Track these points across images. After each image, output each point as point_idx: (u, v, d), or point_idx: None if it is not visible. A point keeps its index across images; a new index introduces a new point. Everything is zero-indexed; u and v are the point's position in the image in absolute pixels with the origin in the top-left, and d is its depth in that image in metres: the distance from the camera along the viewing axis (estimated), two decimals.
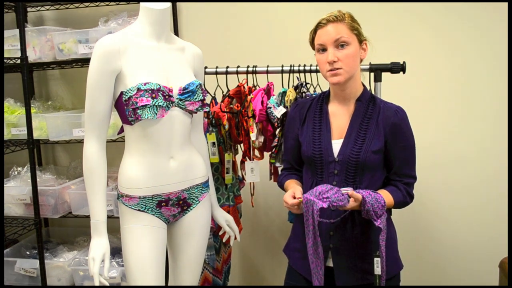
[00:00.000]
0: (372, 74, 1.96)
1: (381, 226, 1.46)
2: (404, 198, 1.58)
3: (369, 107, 1.58)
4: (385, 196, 1.52)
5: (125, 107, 1.55)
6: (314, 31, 1.55)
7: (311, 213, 1.44)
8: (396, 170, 1.58)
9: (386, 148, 1.55)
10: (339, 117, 1.60)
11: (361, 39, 1.55)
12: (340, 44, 1.49)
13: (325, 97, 1.66)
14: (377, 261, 1.50)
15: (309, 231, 1.48)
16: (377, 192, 1.50)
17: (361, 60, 1.58)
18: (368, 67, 1.94)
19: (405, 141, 1.57)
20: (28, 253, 2.62)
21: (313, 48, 1.59)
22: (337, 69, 1.49)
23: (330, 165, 1.55)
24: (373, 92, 1.97)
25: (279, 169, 2.05)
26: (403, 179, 1.59)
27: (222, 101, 2.07)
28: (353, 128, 1.56)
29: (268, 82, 2.05)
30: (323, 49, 1.52)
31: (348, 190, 1.46)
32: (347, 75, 1.51)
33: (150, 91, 1.53)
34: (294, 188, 1.56)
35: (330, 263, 1.59)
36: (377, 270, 1.50)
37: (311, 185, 1.60)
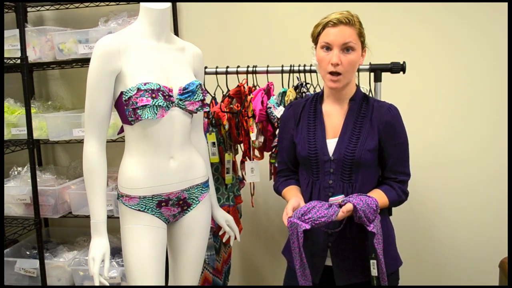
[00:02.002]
0: (372, 74, 1.96)
1: (374, 231, 1.46)
2: (399, 197, 1.58)
3: (362, 106, 1.59)
4: (379, 196, 1.52)
5: (125, 107, 1.55)
6: (322, 27, 1.52)
7: (296, 235, 1.44)
8: (390, 167, 1.59)
9: (380, 146, 1.56)
10: (333, 116, 1.61)
11: (363, 46, 1.56)
12: (346, 49, 1.49)
13: (319, 97, 1.67)
14: (373, 263, 1.50)
15: (296, 253, 1.48)
16: (369, 195, 1.49)
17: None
18: (368, 67, 1.94)
19: (398, 138, 1.57)
20: (28, 253, 2.62)
21: (313, 41, 1.58)
22: (338, 74, 1.50)
23: (326, 164, 1.56)
24: (373, 92, 1.98)
25: None
26: (397, 176, 1.59)
27: (222, 101, 2.07)
28: (347, 127, 1.57)
29: (268, 82, 2.05)
30: (328, 48, 1.51)
31: (339, 199, 1.46)
32: (345, 82, 1.53)
33: (150, 91, 1.53)
34: (290, 202, 1.55)
35: (329, 262, 1.59)
36: (374, 271, 1.50)
37: (307, 185, 1.61)
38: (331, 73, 1.51)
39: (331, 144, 1.57)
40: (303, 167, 1.64)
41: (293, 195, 1.62)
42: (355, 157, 1.52)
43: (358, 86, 1.64)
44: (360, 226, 1.53)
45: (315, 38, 1.57)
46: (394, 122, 1.56)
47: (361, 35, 1.52)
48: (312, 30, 1.57)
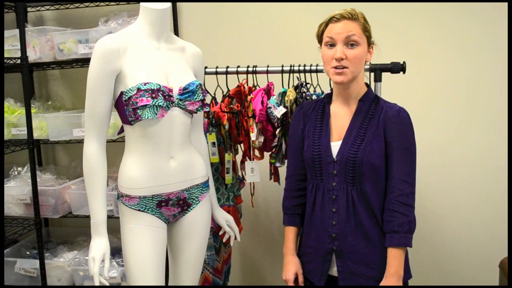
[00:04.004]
0: (372, 74, 1.96)
1: None
2: (407, 231, 1.48)
3: (371, 107, 1.56)
4: (394, 254, 1.48)
5: (125, 107, 1.55)
6: (326, 24, 1.51)
7: None
8: (394, 174, 1.50)
9: (386, 150, 1.51)
10: (340, 117, 1.59)
11: (369, 42, 1.53)
12: (350, 43, 1.47)
13: (328, 97, 1.65)
14: None
15: None
16: (390, 265, 1.49)
17: (365, 62, 1.56)
18: (368, 67, 1.93)
19: (404, 143, 1.51)
20: (28, 253, 2.62)
21: (319, 42, 1.56)
22: (343, 68, 1.47)
23: (329, 165, 1.54)
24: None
25: (279, 170, 2.06)
26: (401, 188, 1.49)
27: (222, 101, 2.07)
28: (353, 128, 1.54)
29: (268, 82, 2.05)
30: (332, 44, 1.49)
31: None
32: (351, 76, 1.49)
33: (150, 91, 1.53)
34: (291, 268, 1.65)
35: (333, 272, 1.58)
36: None
37: (311, 189, 1.60)
38: (336, 67, 1.48)
39: (336, 146, 1.55)
40: (308, 170, 1.63)
41: (291, 249, 1.68)
42: (357, 159, 1.49)
43: (369, 87, 1.61)
44: (364, 230, 1.52)
45: (320, 37, 1.55)
46: (402, 125, 1.51)
47: (365, 30, 1.50)
48: (316, 30, 1.56)
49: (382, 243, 1.52)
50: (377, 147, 1.50)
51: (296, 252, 1.71)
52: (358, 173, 1.51)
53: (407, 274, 1.56)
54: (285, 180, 1.75)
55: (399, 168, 1.50)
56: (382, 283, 1.50)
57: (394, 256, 1.49)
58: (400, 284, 1.49)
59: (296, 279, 1.66)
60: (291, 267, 1.65)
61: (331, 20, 1.50)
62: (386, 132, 1.51)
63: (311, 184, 1.61)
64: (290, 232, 1.70)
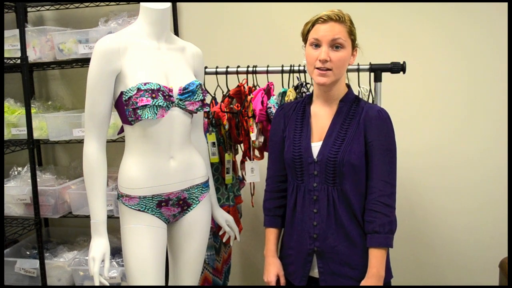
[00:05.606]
0: (372, 74, 1.96)
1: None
2: (388, 231, 1.48)
3: (351, 107, 1.56)
4: (376, 255, 1.48)
5: (125, 107, 1.55)
6: (312, 24, 1.51)
7: None
8: (374, 175, 1.50)
9: (366, 150, 1.51)
10: (321, 118, 1.58)
11: (354, 45, 1.53)
12: (336, 45, 1.47)
13: (308, 98, 1.65)
14: None
15: None
16: (371, 266, 1.49)
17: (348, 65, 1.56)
18: (368, 67, 1.93)
19: (385, 143, 1.51)
20: (28, 253, 2.62)
21: (303, 40, 1.56)
22: (326, 69, 1.48)
23: (310, 166, 1.54)
24: (373, 92, 1.97)
25: None
26: (382, 188, 1.49)
27: (222, 101, 2.07)
28: (334, 129, 1.54)
29: (268, 82, 2.05)
30: (317, 45, 1.49)
31: None
32: (333, 78, 1.50)
33: (150, 91, 1.53)
34: (272, 269, 1.65)
35: (314, 274, 1.58)
36: None
37: (292, 191, 1.60)
38: (319, 68, 1.48)
39: (317, 146, 1.54)
40: (288, 171, 1.62)
41: (272, 251, 1.67)
42: (337, 159, 1.49)
43: (350, 88, 1.61)
44: (345, 230, 1.52)
45: (305, 36, 1.55)
46: (383, 125, 1.51)
47: (351, 33, 1.50)
48: (302, 28, 1.56)
49: (363, 243, 1.52)
50: (358, 147, 1.50)
51: (278, 254, 1.71)
52: (339, 173, 1.50)
53: (388, 274, 1.56)
54: (266, 182, 1.74)
55: (380, 169, 1.50)
56: (362, 283, 1.50)
57: (375, 257, 1.49)
58: (381, 284, 1.49)
59: (278, 281, 1.66)
60: (272, 269, 1.65)
61: (317, 20, 1.49)
62: (366, 133, 1.51)
63: (291, 185, 1.61)
64: (271, 234, 1.70)
